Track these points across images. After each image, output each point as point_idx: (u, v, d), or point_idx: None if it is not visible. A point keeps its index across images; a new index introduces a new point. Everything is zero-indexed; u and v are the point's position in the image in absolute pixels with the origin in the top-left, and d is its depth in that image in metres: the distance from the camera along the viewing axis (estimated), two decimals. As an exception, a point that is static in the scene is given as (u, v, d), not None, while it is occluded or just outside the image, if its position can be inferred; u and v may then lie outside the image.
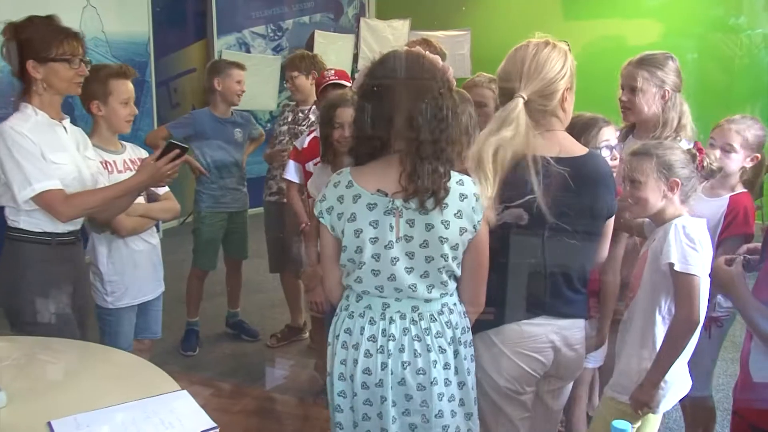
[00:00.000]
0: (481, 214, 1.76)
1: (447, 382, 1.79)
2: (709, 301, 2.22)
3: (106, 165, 2.67)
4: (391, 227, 1.72)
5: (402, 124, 1.70)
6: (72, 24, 2.46)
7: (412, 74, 1.76)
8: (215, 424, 1.68)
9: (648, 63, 2.50)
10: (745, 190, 2.46)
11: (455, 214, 1.73)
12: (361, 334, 1.79)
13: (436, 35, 7.63)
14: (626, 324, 2.18)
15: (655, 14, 6.75)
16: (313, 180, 2.93)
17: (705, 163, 2.13)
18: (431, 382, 1.77)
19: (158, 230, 3.10)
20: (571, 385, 2.17)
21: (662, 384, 2.04)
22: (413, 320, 1.78)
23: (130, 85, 2.72)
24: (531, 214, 1.83)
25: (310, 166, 3.25)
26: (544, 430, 2.10)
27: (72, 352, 2.15)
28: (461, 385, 1.83)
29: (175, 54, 6.96)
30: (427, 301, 1.78)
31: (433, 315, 1.79)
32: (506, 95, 1.87)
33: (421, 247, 1.73)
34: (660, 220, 2.12)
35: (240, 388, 3.36)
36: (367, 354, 1.78)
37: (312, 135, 3.30)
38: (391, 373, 1.76)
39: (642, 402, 2.05)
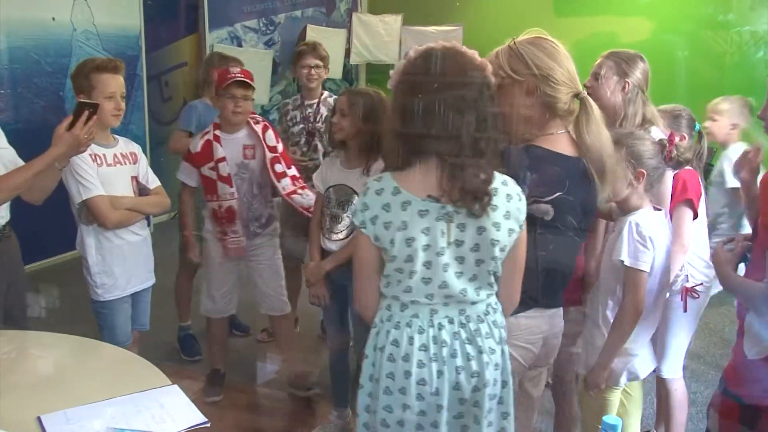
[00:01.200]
0: (524, 214, 1.73)
1: (495, 382, 1.76)
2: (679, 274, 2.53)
3: (95, 158, 2.66)
4: (443, 233, 1.66)
5: (448, 125, 1.63)
6: (63, 17, 2.44)
7: (455, 72, 1.67)
8: (206, 419, 1.69)
9: (616, 55, 2.61)
10: (690, 168, 2.59)
11: (504, 216, 1.69)
12: (411, 344, 1.70)
13: (429, 30, 7.64)
14: (589, 307, 2.37)
15: (646, 12, 6.77)
16: (320, 173, 2.89)
17: (673, 154, 2.25)
18: (485, 384, 1.74)
19: (149, 224, 3.09)
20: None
21: (620, 363, 2.23)
22: (461, 323, 1.73)
23: (117, 79, 2.66)
24: (557, 210, 1.88)
25: (205, 170, 3.14)
26: (525, 417, 2.12)
27: (62, 346, 2.15)
28: (504, 384, 1.80)
29: (167, 48, 6.93)
30: (474, 303, 1.74)
31: (479, 316, 1.74)
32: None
33: (471, 251, 1.68)
34: (624, 207, 2.24)
35: (230, 383, 3.37)
36: (420, 364, 1.70)
37: (205, 138, 3.15)
38: (447, 380, 1.72)
39: (593, 383, 2.23)
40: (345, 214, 2.77)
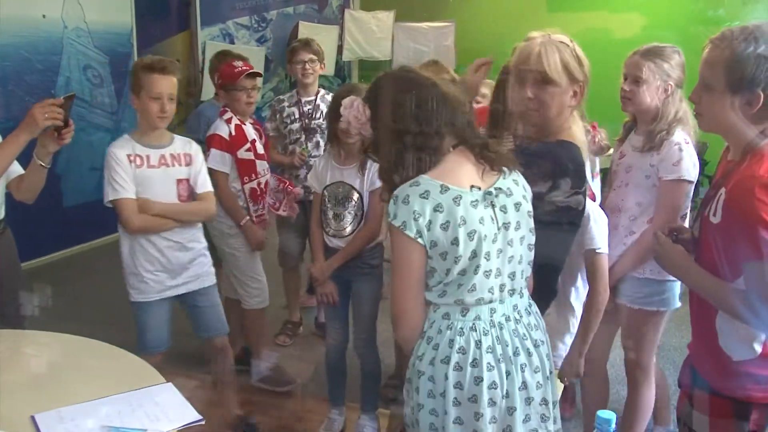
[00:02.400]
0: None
1: (551, 374, 1.76)
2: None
3: (135, 159, 2.59)
4: (492, 219, 1.64)
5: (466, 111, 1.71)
6: (54, 14, 2.42)
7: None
8: (200, 417, 1.68)
9: (655, 55, 2.48)
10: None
11: (523, 196, 1.73)
12: (478, 347, 1.64)
13: (421, 27, 7.64)
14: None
15: (638, 7, 6.78)
16: (314, 173, 2.89)
17: (597, 139, 2.33)
18: (547, 378, 1.73)
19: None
20: None
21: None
22: (516, 319, 1.70)
23: (166, 80, 2.56)
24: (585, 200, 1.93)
25: (241, 152, 3.24)
26: None
27: (56, 345, 2.14)
28: (550, 374, 1.78)
29: (159, 45, 6.89)
30: (521, 296, 1.74)
31: (527, 309, 1.75)
32: None
33: (515, 230, 1.68)
34: None
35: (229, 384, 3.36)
36: (489, 368, 1.64)
37: (233, 123, 3.24)
38: (515, 381, 1.67)
39: (570, 373, 2.26)
40: (347, 211, 2.77)
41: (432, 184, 1.61)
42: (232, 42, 7.19)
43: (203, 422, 1.67)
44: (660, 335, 2.72)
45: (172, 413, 1.70)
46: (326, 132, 2.83)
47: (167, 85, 2.56)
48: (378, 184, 2.68)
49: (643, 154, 2.48)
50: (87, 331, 2.26)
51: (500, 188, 1.67)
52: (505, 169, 1.70)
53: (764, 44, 1.56)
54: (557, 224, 1.87)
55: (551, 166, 1.79)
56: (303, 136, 3.79)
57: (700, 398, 1.73)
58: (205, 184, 2.76)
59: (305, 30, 7.50)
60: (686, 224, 2.58)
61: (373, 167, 2.70)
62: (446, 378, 1.64)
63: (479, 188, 1.64)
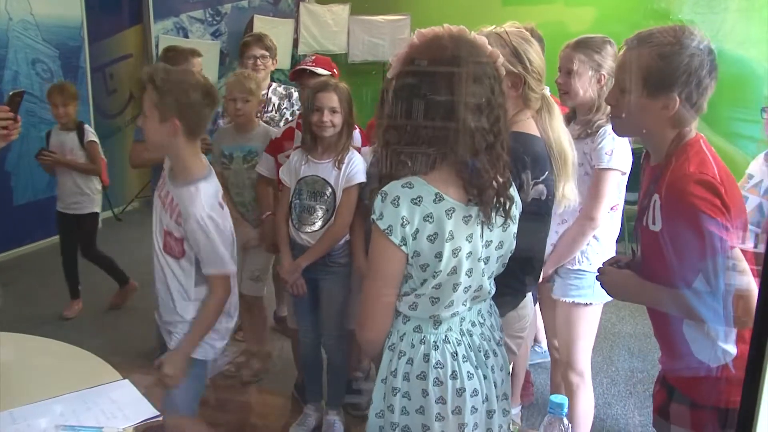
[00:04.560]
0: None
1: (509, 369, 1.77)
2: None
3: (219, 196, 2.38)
4: (481, 236, 1.54)
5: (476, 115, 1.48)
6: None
7: (469, 59, 1.50)
8: (158, 412, 1.66)
9: (585, 46, 2.49)
10: None
11: (514, 217, 1.62)
12: (455, 359, 1.58)
13: (377, 20, 7.64)
14: None
15: (592, 1, 6.88)
16: (287, 167, 2.85)
17: None
18: (508, 373, 1.74)
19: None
20: None
21: None
22: (480, 323, 1.67)
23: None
24: (548, 189, 1.91)
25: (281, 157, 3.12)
26: None
27: (7, 344, 2.09)
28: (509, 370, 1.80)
29: (110, 39, 6.77)
30: (484, 300, 1.68)
31: (489, 310, 1.72)
32: None
33: (496, 249, 1.60)
34: None
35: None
36: (470, 376, 1.59)
37: (288, 125, 3.21)
38: (492, 383, 1.66)
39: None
40: (318, 205, 2.76)
41: (426, 190, 1.47)
42: (186, 36, 7.10)
43: (161, 418, 1.65)
44: (594, 335, 2.67)
45: (129, 410, 1.67)
46: (302, 126, 2.81)
47: None
48: (355, 180, 2.71)
49: (579, 142, 2.41)
50: (39, 331, 2.22)
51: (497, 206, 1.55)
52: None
53: (680, 47, 1.55)
54: (526, 220, 1.87)
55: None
56: None
57: (680, 413, 1.68)
58: None
59: (260, 23, 7.44)
60: (618, 215, 2.62)
61: (350, 163, 2.72)
62: (425, 395, 1.58)
63: (476, 203, 1.50)
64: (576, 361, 2.62)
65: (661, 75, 1.55)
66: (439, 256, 1.48)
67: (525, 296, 2.11)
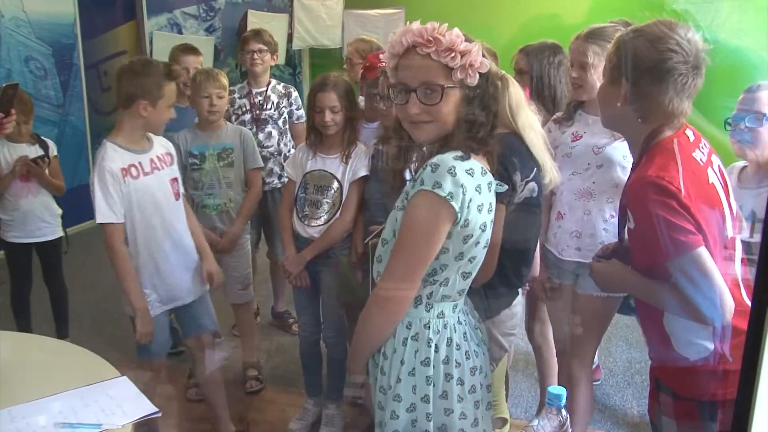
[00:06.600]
0: None
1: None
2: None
3: (130, 169, 2.43)
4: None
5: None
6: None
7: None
8: (157, 409, 1.66)
9: (598, 36, 2.31)
10: None
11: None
12: (466, 339, 1.64)
13: (371, 14, 7.63)
14: None
15: (585, -8, 6.89)
16: (293, 160, 2.87)
17: None
18: (490, 361, 1.77)
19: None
20: None
21: None
22: (466, 311, 1.70)
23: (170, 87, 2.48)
24: (538, 186, 1.93)
25: None
26: None
27: (2, 342, 2.09)
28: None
29: (104, 36, 6.74)
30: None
31: (466, 298, 1.72)
32: None
33: (483, 231, 1.63)
34: None
35: (184, 374, 3.33)
36: (476, 354, 1.67)
37: None
38: (487, 359, 1.71)
39: None
40: (324, 199, 2.76)
41: (475, 162, 1.52)
42: (180, 32, 7.08)
43: (159, 414, 1.65)
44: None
45: (128, 407, 1.67)
46: (307, 124, 2.81)
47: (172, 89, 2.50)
48: (359, 174, 2.70)
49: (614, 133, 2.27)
50: (37, 329, 2.22)
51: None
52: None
53: (634, 33, 1.59)
54: (520, 216, 1.88)
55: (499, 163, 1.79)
56: (254, 127, 3.73)
57: (666, 403, 1.71)
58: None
59: (254, 19, 7.43)
60: None
61: (357, 158, 2.72)
62: (449, 378, 1.60)
63: (500, 183, 1.60)
64: (586, 354, 2.52)
65: (615, 59, 1.63)
66: (483, 226, 1.53)
67: (518, 292, 2.12)
